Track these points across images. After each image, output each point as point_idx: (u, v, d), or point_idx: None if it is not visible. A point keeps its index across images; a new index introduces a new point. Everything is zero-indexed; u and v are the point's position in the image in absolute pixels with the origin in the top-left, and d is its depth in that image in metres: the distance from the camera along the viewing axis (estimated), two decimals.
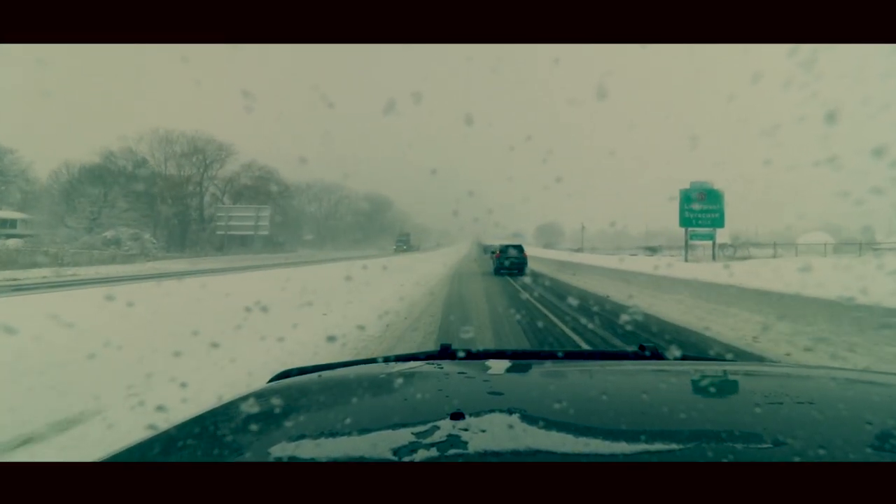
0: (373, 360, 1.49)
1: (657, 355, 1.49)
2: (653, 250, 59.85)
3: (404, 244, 79.73)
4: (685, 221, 28.82)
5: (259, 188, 64.84)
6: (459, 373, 1.26)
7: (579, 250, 68.07)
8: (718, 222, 28.90)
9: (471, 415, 0.83)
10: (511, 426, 0.79)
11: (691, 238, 28.88)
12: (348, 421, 0.88)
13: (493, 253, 25.77)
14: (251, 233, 54.87)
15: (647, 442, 0.70)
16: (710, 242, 28.87)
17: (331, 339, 6.29)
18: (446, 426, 0.78)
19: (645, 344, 1.56)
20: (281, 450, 0.73)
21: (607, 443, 0.72)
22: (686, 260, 27.01)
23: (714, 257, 29.68)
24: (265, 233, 55.02)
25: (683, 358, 1.52)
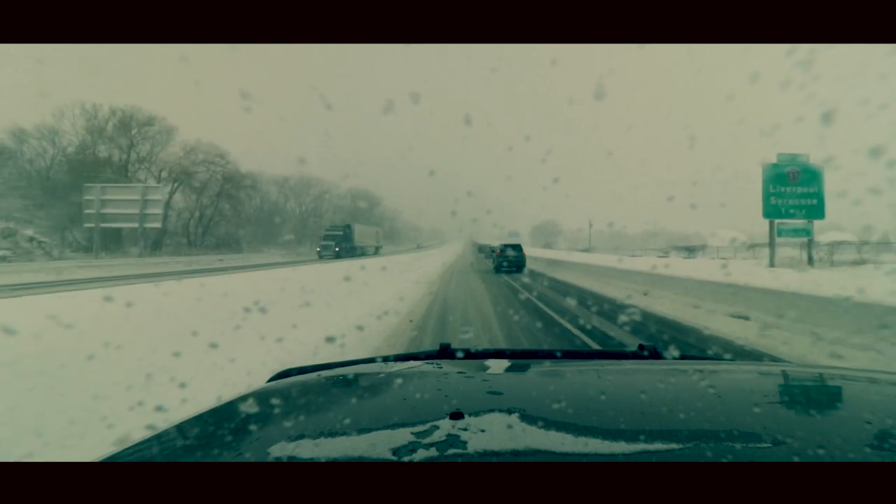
0: (372, 360, 1.53)
1: (656, 355, 1.52)
2: (690, 251, 51.57)
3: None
4: (771, 210, 19.82)
5: (210, 177, 55.07)
6: (458, 372, 1.31)
7: (586, 250, 62.51)
8: (817, 212, 19.99)
9: (470, 414, 0.87)
10: (510, 426, 0.83)
11: (778, 234, 20.19)
12: (348, 421, 0.92)
13: (492, 251, 30.32)
14: (135, 224, 39.67)
15: (646, 442, 0.72)
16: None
17: None
18: (445, 426, 0.82)
19: (644, 343, 1.61)
20: (280, 449, 0.75)
21: (606, 443, 0.77)
22: (772, 265, 19.07)
23: (811, 261, 21.11)
24: (157, 224, 40.80)
25: (682, 357, 1.56)
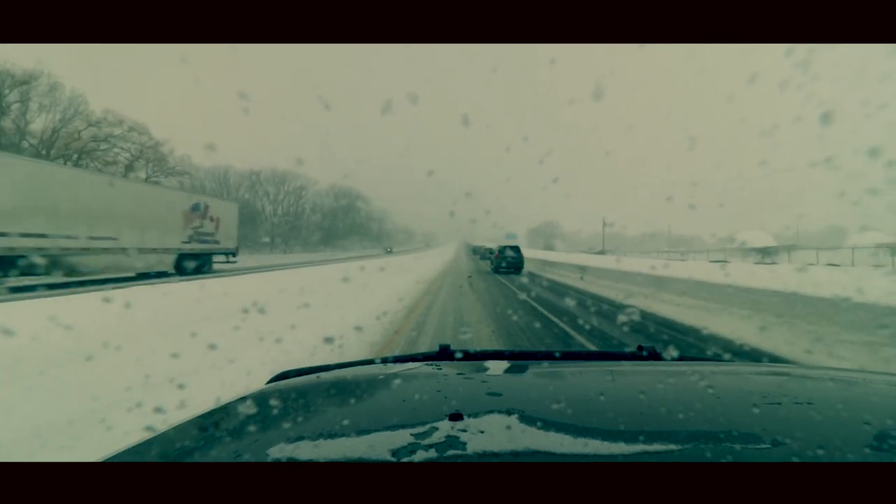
0: (370, 362, 1.57)
1: (655, 355, 1.59)
2: (765, 253, 42.26)
3: None
4: None
5: (132, 159, 42.56)
6: (458, 374, 1.35)
7: (601, 252, 56.42)
8: None
9: (469, 416, 0.90)
10: (509, 427, 0.86)
11: None
12: (346, 422, 0.96)
13: (490, 253, 29.88)
14: None
15: (645, 442, 0.74)
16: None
17: None
18: (445, 427, 0.85)
19: (643, 344, 1.66)
20: (279, 451, 0.77)
21: (605, 443, 0.81)
22: None
23: None
24: None
25: (681, 358, 1.60)
